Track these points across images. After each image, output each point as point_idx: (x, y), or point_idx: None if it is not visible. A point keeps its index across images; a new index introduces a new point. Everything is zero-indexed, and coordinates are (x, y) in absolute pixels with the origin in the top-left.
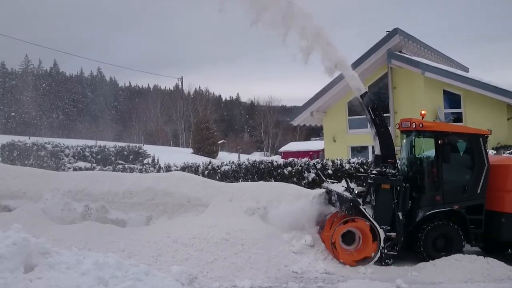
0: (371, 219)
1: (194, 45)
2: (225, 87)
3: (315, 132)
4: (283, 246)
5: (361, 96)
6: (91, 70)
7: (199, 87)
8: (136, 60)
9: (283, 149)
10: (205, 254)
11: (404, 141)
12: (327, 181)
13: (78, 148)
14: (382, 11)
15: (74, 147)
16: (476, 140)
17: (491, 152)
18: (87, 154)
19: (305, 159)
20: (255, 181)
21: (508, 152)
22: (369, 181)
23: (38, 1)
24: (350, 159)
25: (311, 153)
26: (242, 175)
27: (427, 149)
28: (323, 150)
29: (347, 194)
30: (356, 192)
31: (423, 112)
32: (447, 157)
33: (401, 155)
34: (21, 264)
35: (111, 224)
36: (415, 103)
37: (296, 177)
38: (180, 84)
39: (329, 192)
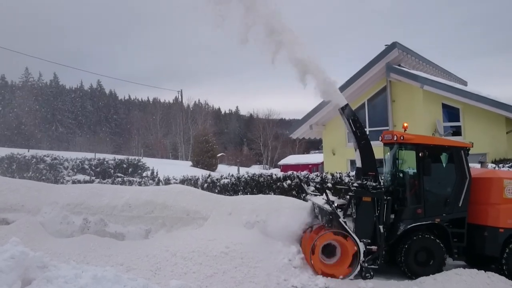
0: (349, 231)
1: (193, 59)
2: (224, 100)
3: (314, 145)
4: (283, 259)
5: (342, 108)
6: (91, 83)
7: (199, 100)
8: (136, 73)
9: (282, 162)
10: (204, 268)
11: (388, 154)
12: (311, 194)
13: (77, 161)
14: (381, 26)
15: (73, 160)
16: (458, 153)
17: (476, 165)
18: (86, 167)
19: (304, 172)
20: (255, 194)
21: (507, 165)
22: (350, 193)
23: (38, 15)
24: (349, 172)
25: (310, 166)
26: (242, 188)
27: (410, 162)
28: (322, 163)
29: (327, 206)
30: (336, 204)
31: (405, 124)
32: (428, 170)
33: (384, 168)
34: (19, 278)
35: (109, 237)
36: (414, 117)
37: (295, 190)
38: (180, 97)
39: (313, 204)
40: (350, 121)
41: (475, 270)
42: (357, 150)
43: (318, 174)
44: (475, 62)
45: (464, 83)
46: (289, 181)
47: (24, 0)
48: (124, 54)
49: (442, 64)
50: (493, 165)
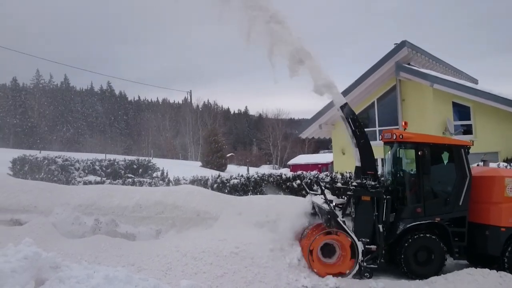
0: (349, 232)
1: (203, 60)
2: (233, 101)
3: (324, 144)
4: (293, 259)
5: (341, 107)
6: (101, 84)
7: (208, 101)
8: (145, 74)
9: (292, 162)
10: (214, 268)
11: (388, 153)
12: (311, 193)
13: (88, 162)
14: (389, 26)
15: (84, 161)
16: (458, 151)
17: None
18: (97, 168)
19: (314, 172)
20: (264, 194)
21: None
22: (349, 193)
23: (49, 17)
24: None
25: (320, 165)
26: (251, 188)
27: (409, 161)
28: (332, 162)
29: (326, 206)
30: (334, 203)
31: (404, 123)
32: (427, 169)
33: (385, 167)
34: (32, 278)
35: (120, 238)
36: (424, 116)
37: (305, 190)
38: (189, 97)
39: (312, 203)
40: (350, 120)
41: (487, 270)
42: (357, 149)
43: (328, 174)
44: (486, 61)
45: (475, 81)
46: (298, 181)
47: (35, 2)
48: (134, 56)
49: (452, 63)
50: (505, 164)
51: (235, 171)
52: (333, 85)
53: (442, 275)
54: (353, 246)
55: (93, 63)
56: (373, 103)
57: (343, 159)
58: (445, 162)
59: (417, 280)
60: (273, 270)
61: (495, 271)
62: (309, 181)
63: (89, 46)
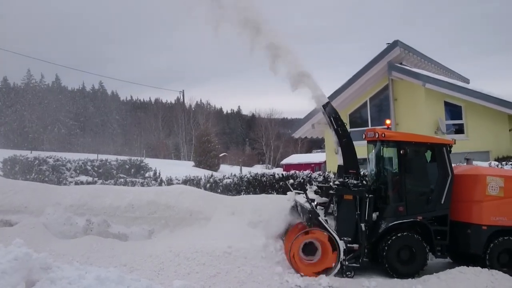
0: (329, 229)
1: (195, 59)
2: (226, 100)
3: (316, 144)
4: (286, 259)
5: (324, 106)
6: (92, 84)
7: (200, 100)
8: (138, 74)
9: (285, 161)
10: (207, 268)
11: (373, 151)
12: (295, 192)
13: (80, 162)
14: (384, 27)
15: (75, 161)
16: (440, 150)
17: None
18: (89, 168)
19: (307, 172)
20: (257, 193)
21: (511, 163)
22: (331, 192)
23: (40, 16)
24: None
25: (313, 165)
26: (244, 188)
27: (392, 160)
28: (325, 162)
29: (307, 205)
30: (316, 203)
31: (387, 122)
32: (409, 167)
33: (368, 166)
34: (23, 279)
35: (112, 238)
36: (416, 115)
37: (298, 189)
38: (182, 97)
39: (296, 202)
40: (332, 119)
41: (478, 268)
42: (339, 148)
43: (321, 173)
44: (477, 61)
45: (466, 81)
46: (291, 181)
47: (26, 1)
48: (126, 55)
49: (444, 63)
50: (496, 163)
51: (228, 171)
52: (317, 84)
53: (434, 273)
54: (331, 239)
55: (85, 62)
56: (365, 103)
57: (336, 159)
58: (428, 160)
59: (410, 279)
60: (266, 269)
61: (487, 269)
62: (302, 180)
63: (81, 46)
